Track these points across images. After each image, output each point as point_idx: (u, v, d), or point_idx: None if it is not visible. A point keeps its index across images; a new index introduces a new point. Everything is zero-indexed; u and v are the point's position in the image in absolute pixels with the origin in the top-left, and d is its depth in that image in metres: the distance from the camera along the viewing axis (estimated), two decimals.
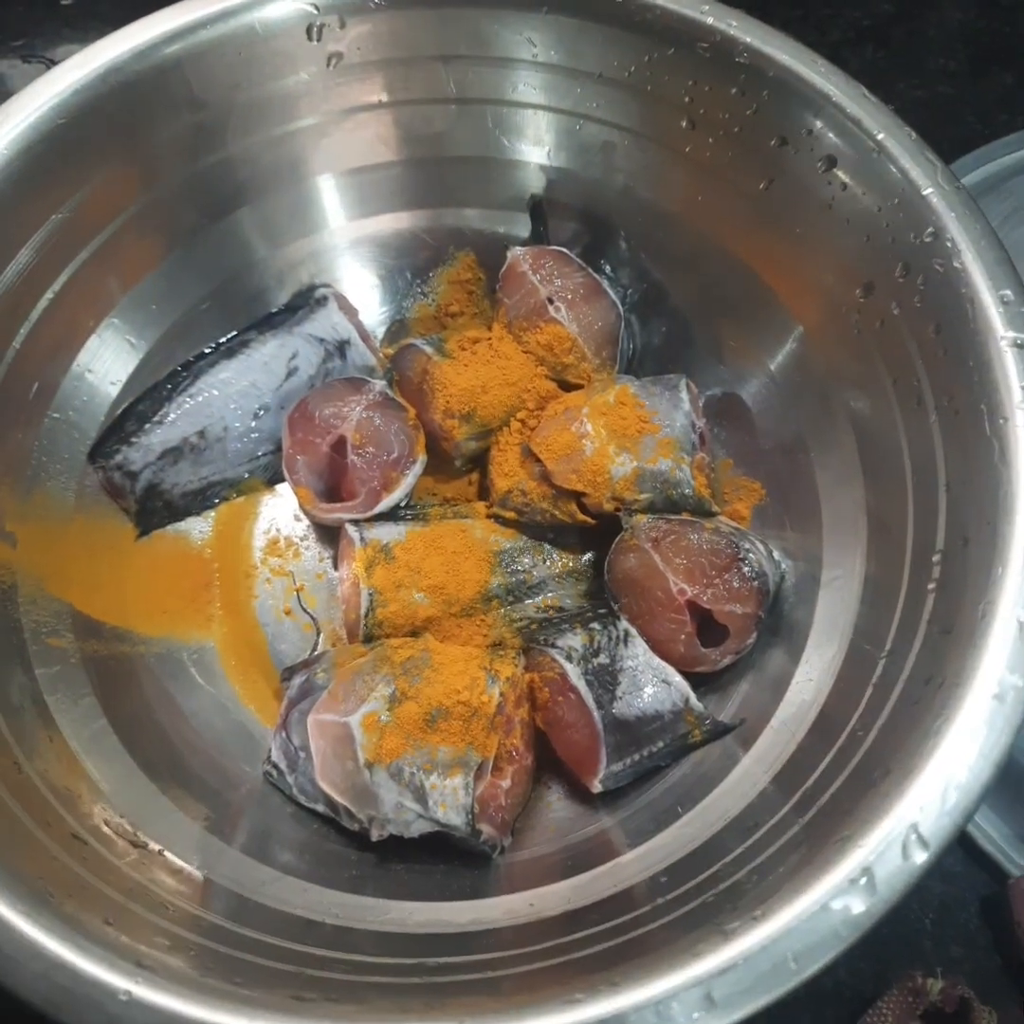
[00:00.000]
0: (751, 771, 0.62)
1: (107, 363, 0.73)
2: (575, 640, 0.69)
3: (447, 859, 0.65)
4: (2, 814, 0.52)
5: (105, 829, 0.57)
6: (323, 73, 0.72)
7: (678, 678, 0.68)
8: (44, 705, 0.62)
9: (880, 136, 0.63)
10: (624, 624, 0.70)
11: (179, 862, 0.58)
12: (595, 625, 0.70)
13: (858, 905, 0.44)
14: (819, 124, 0.66)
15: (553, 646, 0.68)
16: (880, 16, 1.06)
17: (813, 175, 0.67)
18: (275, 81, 0.71)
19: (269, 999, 0.44)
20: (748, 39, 0.67)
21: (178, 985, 0.44)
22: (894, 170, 0.63)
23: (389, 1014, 0.44)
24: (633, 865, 0.60)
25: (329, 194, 0.79)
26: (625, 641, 0.69)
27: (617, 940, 0.50)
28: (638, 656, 0.68)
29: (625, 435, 0.72)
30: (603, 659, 0.68)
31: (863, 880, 0.45)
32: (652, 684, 0.67)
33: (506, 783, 0.65)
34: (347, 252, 0.82)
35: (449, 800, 0.61)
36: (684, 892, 0.53)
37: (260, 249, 0.79)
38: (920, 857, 0.45)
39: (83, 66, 0.66)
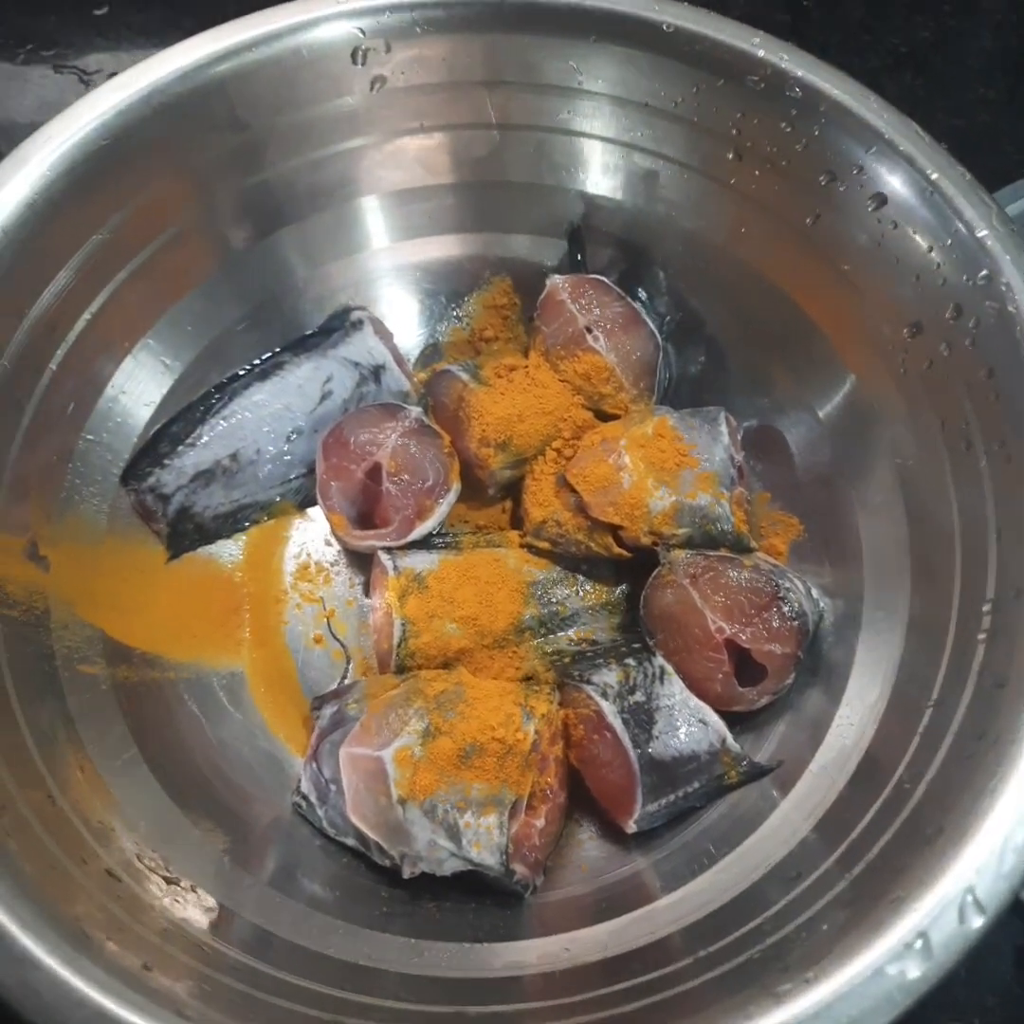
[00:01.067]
0: (790, 817, 0.62)
1: (141, 384, 0.72)
2: (610, 676, 0.68)
3: (479, 898, 0.64)
4: (39, 852, 0.51)
5: (137, 864, 0.56)
6: (367, 97, 0.72)
7: (715, 718, 0.67)
8: (76, 734, 0.61)
9: (934, 175, 0.63)
10: (660, 661, 0.69)
11: (211, 899, 0.57)
12: (630, 661, 0.69)
13: (914, 970, 0.43)
14: (870, 161, 0.65)
15: (588, 682, 0.67)
16: (919, 43, 1.05)
17: (862, 212, 0.66)
18: (319, 104, 0.71)
19: None
20: (800, 73, 0.66)
21: None
22: (948, 210, 0.62)
23: None
24: (670, 911, 0.59)
25: (369, 216, 0.78)
26: (661, 679, 0.68)
27: (661, 995, 0.50)
28: (675, 694, 0.67)
29: (664, 468, 0.71)
30: (639, 697, 0.67)
31: (918, 944, 0.44)
32: (689, 723, 0.66)
33: (540, 822, 0.64)
34: (384, 275, 0.82)
35: (483, 839, 0.61)
36: (727, 945, 0.52)
37: (299, 270, 0.78)
38: (977, 922, 0.44)
39: (127, 87, 0.66)
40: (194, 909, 0.56)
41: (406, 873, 0.62)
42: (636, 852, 0.66)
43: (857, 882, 0.50)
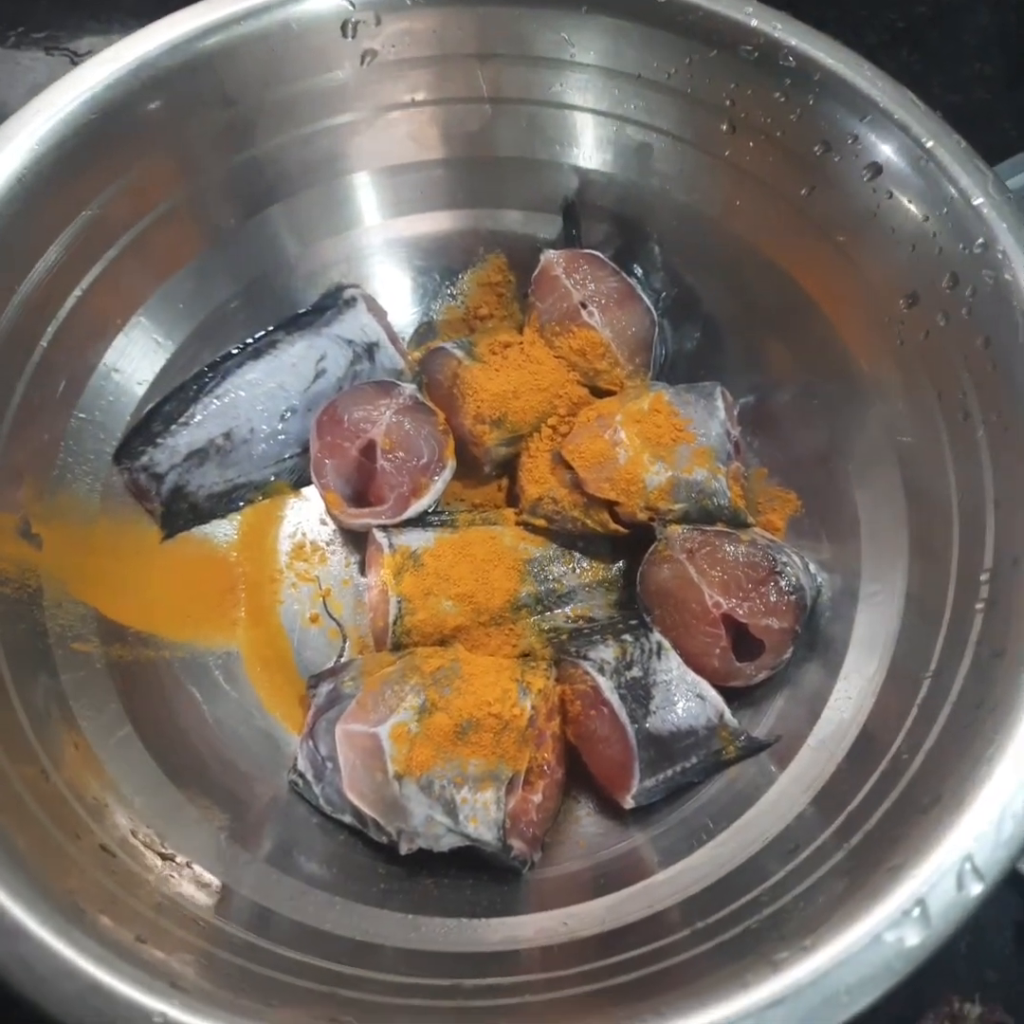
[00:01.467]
0: (788, 791, 0.61)
1: (134, 362, 0.72)
2: (607, 652, 0.68)
3: (476, 874, 0.63)
4: (33, 826, 0.51)
5: (132, 840, 0.56)
6: (357, 71, 0.71)
7: (712, 692, 0.67)
8: (69, 711, 0.61)
9: (929, 144, 0.62)
10: (657, 636, 0.69)
11: (207, 875, 0.57)
12: (627, 637, 0.69)
13: (912, 937, 0.43)
14: (865, 130, 0.65)
15: (585, 658, 0.67)
16: (916, 19, 1.04)
17: (857, 182, 0.66)
18: (309, 78, 0.70)
19: (307, 1020, 0.43)
20: (793, 42, 0.65)
21: (213, 1007, 0.43)
22: (943, 179, 0.62)
23: None
24: (668, 885, 0.59)
25: (361, 192, 0.78)
26: (658, 654, 0.68)
27: (658, 965, 0.49)
28: (672, 670, 0.67)
29: (660, 443, 0.71)
30: (636, 672, 0.66)
31: (916, 911, 0.44)
32: (686, 698, 0.66)
33: (537, 798, 0.64)
34: (377, 252, 0.81)
35: (480, 814, 0.60)
36: (724, 917, 0.52)
37: (291, 247, 0.77)
38: (975, 889, 0.44)
39: (115, 61, 0.65)
40: (190, 885, 0.55)
41: (403, 849, 0.62)
42: (634, 828, 0.66)
43: (855, 852, 0.50)
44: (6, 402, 0.63)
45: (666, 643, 0.68)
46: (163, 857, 0.57)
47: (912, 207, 0.63)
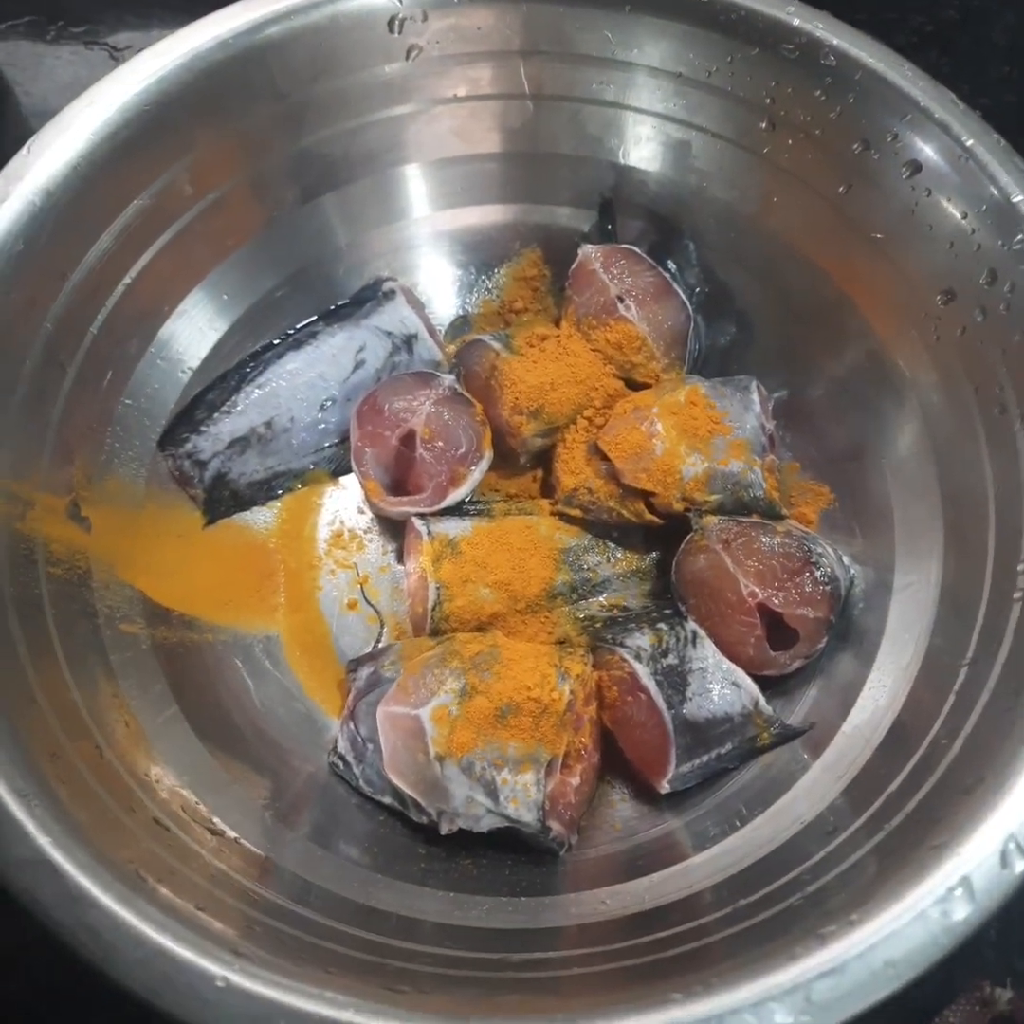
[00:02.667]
0: (823, 777, 0.62)
1: (179, 350, 0.73)
2: (643, 640, 0.69)
3: (515, 855, 0.65)
4: (91, 798, 0.52)
5: (183, 815, 0.57)
6: (403, 66, 0.72)
7: (748, 680, 0.68)
8: (119, 690, 0.62)
9: (969, 142, 0.63)
10: (692, 625, 0.70)
11: (255, 850, 0.58)
12: (662, 626, 0.70)
13: (957, 913, 0.44)
14: (904, 128, 0.66)
15: (622, 645, 0.68)
16: (944, 22, 1.05)
17: (895, 180, 0.67)
18: (356, 73, 0.71)
19: (364, 989, 0.44)
20: (835, 41, 0.67)
21: (275, 973, 0.44)
22: (983, 177, 0.63)
23: (484, 1009, 0.44)
24: (705, 867, 0.60)
25: (408, 185, 0.79)
26: (694, 642, 0.69)
27: (702, 941, 0.50)
28: (707, 658, 0.68)
29: (696, 435, 0.72)
30: (672, 660, 0.68)
31: (961, 888, 0.45)
32: (721, 686, 0.67)
33: (575, 781, 0.65)
34: (421, 245, 0.82)
35: (520, 796, 0.61)
36: (766, 895, 0.53)
37: (340, 237, 0.79)
38: (1019, 866, 0.45)
39: (167, 54, 0.66)
40: (239, 859, 0.56)
41: (444, 829, 0.63)
42: (669, 813, 0.67)
43: (897, 832, 0.51)
44: (58, 386, 0.64)
45: (701, 632, 0.69)
46: (212, 832, 0.58)
47: (950, 205, 0.65)
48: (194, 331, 0.74)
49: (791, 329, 0.78)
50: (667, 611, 0.73)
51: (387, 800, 0.66)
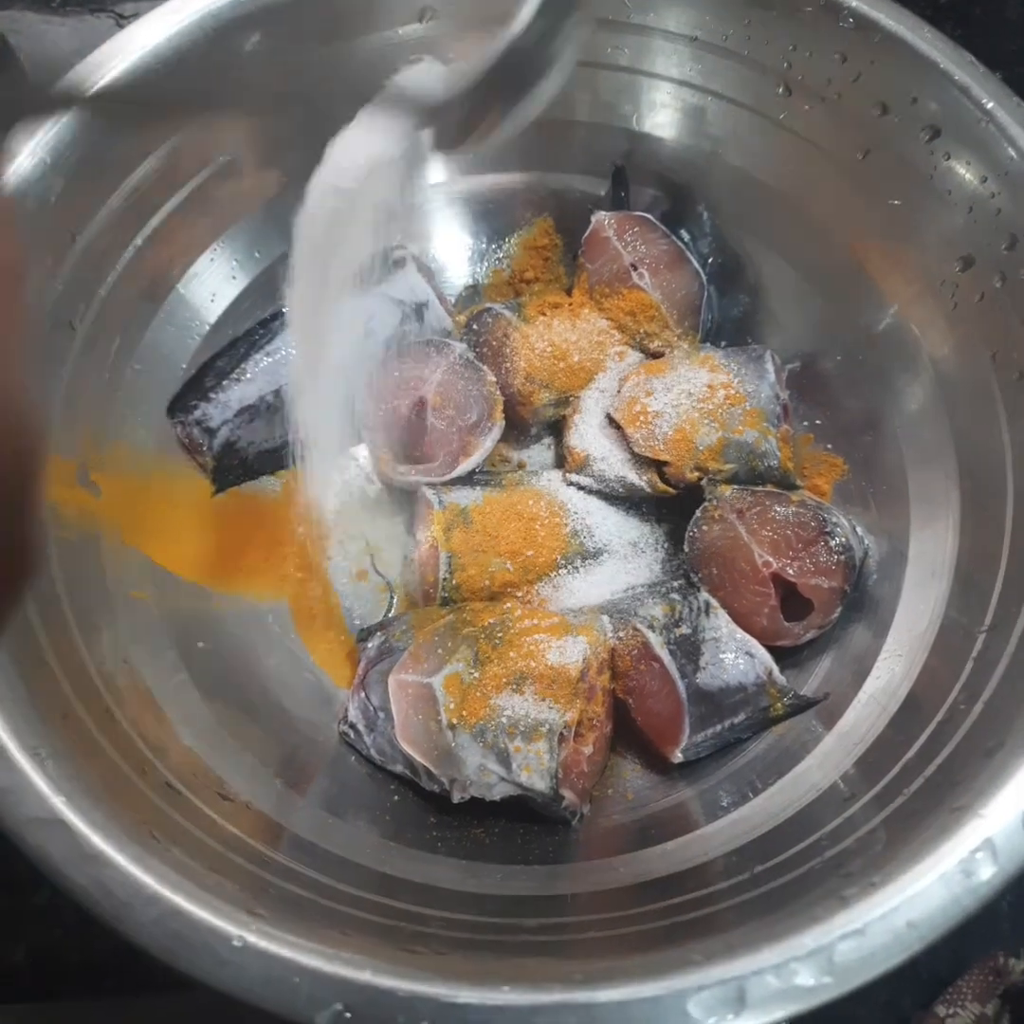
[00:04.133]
0: (838, 744, 0.62)
1: (189, 315, 0.73)
2: (656, 610, 0.68)
3: (526, 824, 0.64)
4: (103, 760, 0.51)
5: (195, 780, 0.57)
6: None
7: (761, 650, 0.67)
8: (129, 656, 0.61)
9: (989, 105, 0.62)
10: (705, 595, 0.69)
11: (267, 815, 0.58)
12: (675, 596, 0.69)
13: (981, 873, 0.44)
14: (924, 92, 0.65)
15: (634, 615, 0.68)
16: None
17: (915, 145, 0.66)
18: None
19: (382, 950, 0.44)
20: (854, 3, 0.66)
21: (291, 934, 0.44)
22: (1002, 140, 0.62)
23: (505, 970, 0.44)
24: (720, 834, 0.60)
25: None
26: (707, 612, 0.68)
27: (722, 904, 0.50)
28: (720, 628, 0.68)
29: (710, 404, 0.71)
30: (685, 630, 0.67)
31: (984, 850, 0.44)
32: (735, 656, 0.67)
33: (588, 750, 0.64)
34: (431, 213, 0.81)
35: (533, 764, 0.61)
36: (785, 860, 0.52)
37: None
38: None
39: (178, 12, 0.65)
40: (250, 824, 0.56)
41: (456, 798, 0.62)
42: (681, 782, 0.67)
43: (916, 796, 0.51)
44: (68, 347, 0.64)
45: (714, 602, 0.69)
46: (223, 797, 0.57)
47: (970, 169, 0.64)
48: (205, 296, 0.73)
49: (805, 298, 0.77)
50: (678, 582, 0.72)
51: (398, 769, 0.65)
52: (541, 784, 0.61)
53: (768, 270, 0.79)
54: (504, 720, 0.62)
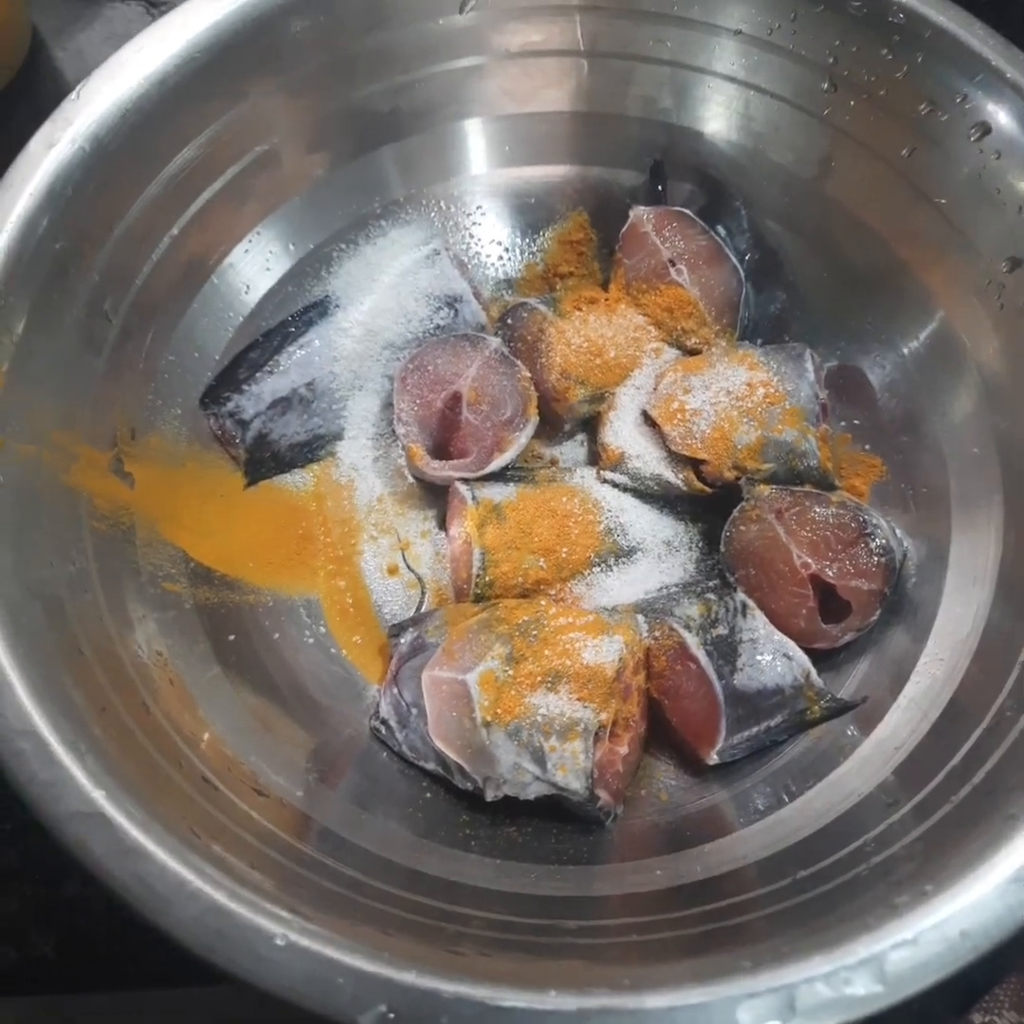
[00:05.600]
0: (877, 750, 0.61)
1: (222, 307, 0.72)
2: (692, 610, 0.67)
3: (559, 824, 0.64)
4: (140, 754, 0.51)
5: (230, 774, 0.56)
6: (456, 19, 0.70)
7: (799, 652, 0.66)
8: (163, 649, 0.61)
9: None
10: (741, 596, 0.69)
11: (300, 809, 0.57)
12: (711, 596, 0.69)
13: None
14: (974, 89, 0.64)
15: (670, 614, 0.67)
16: None
17: (963, 143, 0.65)
18: (409, 25, 0.70)
19: (425, 952, 0.44)
20: None
21: (333, 932, 0.43)
22: None
23: (549, 972, 0.43)
24: (758, 838, 0.59)
25: (469, 140, 0.78)
26: (744, 613, 0.67)
27: (763, 911, 0.49)
28: (758, 629, 0.67)
29: (749, 403, 0.70)
30: (722, 630, 0.66)
31: None
32: (772, 657, 0.66)
33: (623, 750, 0.64)
34: (470, 205, 0.80)
35: (568, 763, 0.60)
36: (828, 866, 0.52)
37: (395, 191, 0.77)
38: None
39: (218, 0, 0.64)
40: (286, 820, 0.56)
41: (490, 796, 0.62)
42: (716, 784, 0.66)
43: (965, 804, 0.50)
44: (104, 337, 0.63)
45: (751, 602, 0.68)
46: (257, 791, 0.57)
47: (1020, 168, 0.63)
48: (239, 286, 0.73)
49: (845, 296, 0.76)
50: (713, 582, 0.71)
51: (430, 766, 0.65)
52: (576, 784, 0.60)
53: (808, 267, 0.78)
54: (539, 718, 0.61)
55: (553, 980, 0.42)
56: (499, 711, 0.61)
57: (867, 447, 0.75)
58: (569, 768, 0.60)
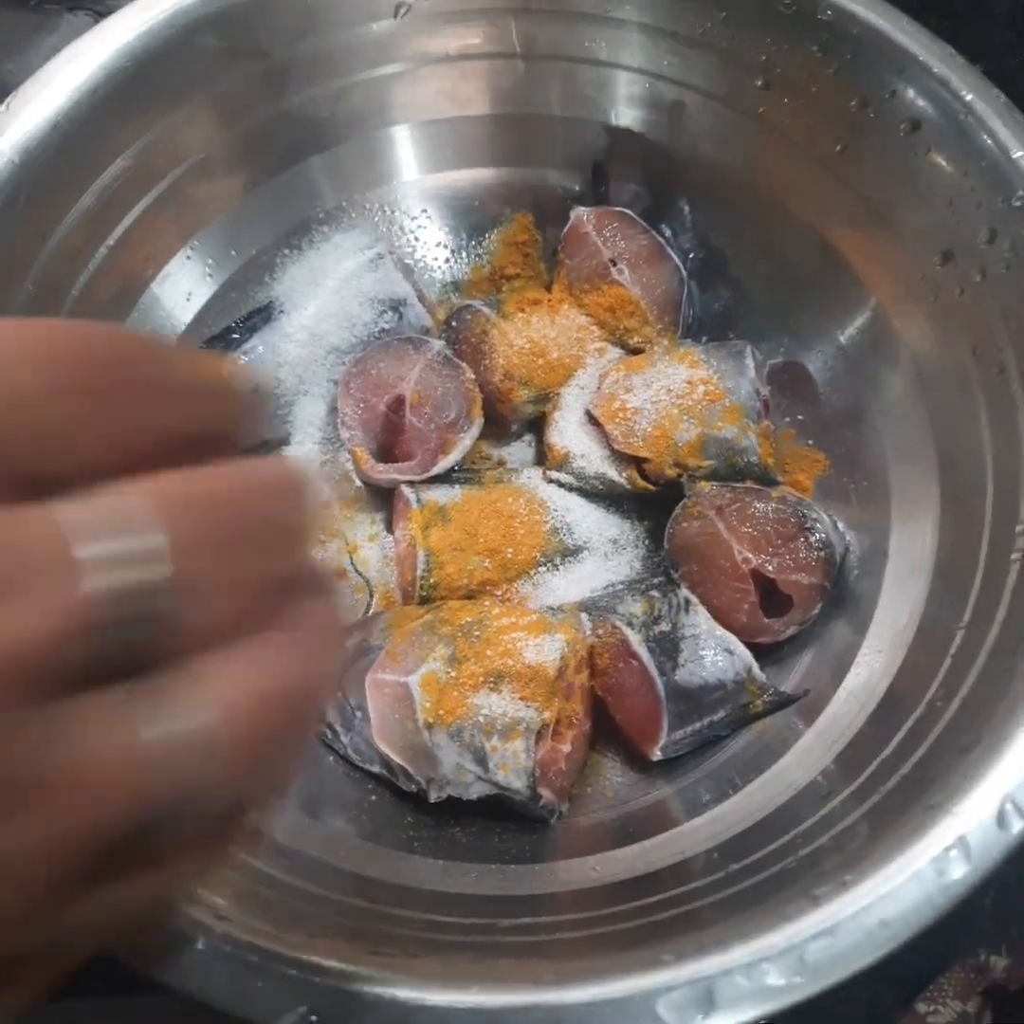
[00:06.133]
0: (817, 742, 0.62)
1: (163, 315, 0.72)
2: (635, 607, 0.68)
3: (504, 823, 0.64)
4: None
5: None
6: (391, 24, 0.71)
7: (741, 647, 0.67)
8: None
9: (968, 97, 0.62)
10: (684, 592, 0.69)
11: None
12: (654, 593, 0.69)
13: (953, 872, 0.43)
14: (903, 85, 0.64)
15: (613, 612, 0.67)
16: None
17: (894, 138, 0.66)
18: (343, 30, 0.70)
19: (350, 953, 0.43)
20: None
21: (257, 937, 0.43)
22: (982, 133, 0.61)
23: (477, 971, 0.43)
24: (697, 833, 0.59)
25: (397, 147, 0.78)
26: (686, 609, 0.68)
27: (694, 904, 0.50)
28: (699, 625, 0.67)
29: (689, 400, 0.71)
30: (664, 627, 0.67)
31: (957, 848, 0.44)
32: (714, 653, 0.66)
33: (566, 748, 0.64)
34: (407, 210, 0.81)
35: (510, 763, 0.60)
36: (759, 859, 0.52)
37: (328, 199, 0.77)
38: (1017, 826, 0.44)
39: (150, 8, 0.65)
40: None
41: (433, 797, 0.62)
42: (660, 780, 0.66)
43: (891, 794, 0.50)
44: None
45: (694, 599, 0.69)
46: None
47: (949, 162, 0.63)
48: (180, 296, 0.73)
49: (786, 293, 0.76)
50: (658, 579, 0.72)
51: (376, 769, 0.65)
52: (518, 783, 0.60)
53: (749, 265, 0.78)
54: (481, 719, 0.61)
55: (478, 978, 0.42)
56: (441, 712, 0.61)
57: (810, 442, 0.76)
58: (511, 767, 0.61)
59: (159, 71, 0.65)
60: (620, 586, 0.72)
